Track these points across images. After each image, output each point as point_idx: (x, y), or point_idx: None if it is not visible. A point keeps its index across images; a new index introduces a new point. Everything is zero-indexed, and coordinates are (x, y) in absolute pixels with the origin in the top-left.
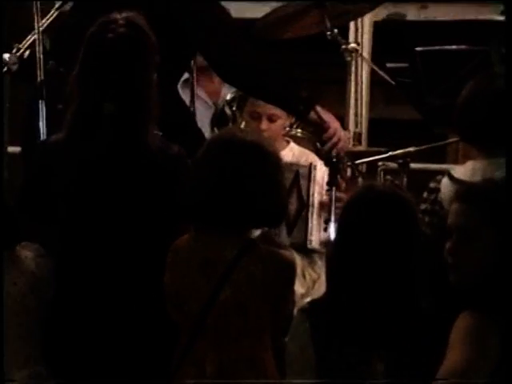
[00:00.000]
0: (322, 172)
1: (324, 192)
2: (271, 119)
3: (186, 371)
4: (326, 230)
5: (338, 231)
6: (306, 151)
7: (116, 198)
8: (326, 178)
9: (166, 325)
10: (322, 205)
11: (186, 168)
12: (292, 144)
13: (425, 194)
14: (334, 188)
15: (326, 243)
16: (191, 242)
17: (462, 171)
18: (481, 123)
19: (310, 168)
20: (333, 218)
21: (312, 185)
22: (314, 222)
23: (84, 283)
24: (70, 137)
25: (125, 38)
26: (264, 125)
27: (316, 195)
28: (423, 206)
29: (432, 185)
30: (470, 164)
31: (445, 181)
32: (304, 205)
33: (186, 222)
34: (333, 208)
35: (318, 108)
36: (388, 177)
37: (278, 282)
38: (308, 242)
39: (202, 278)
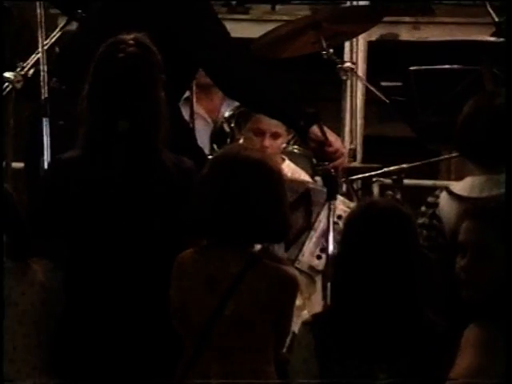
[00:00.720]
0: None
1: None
2: (274, 136)
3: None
4: (319, 257)
5: (341, 245)
6: (299, 169)
7: (133, 213)
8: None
9: (173, 337)
10: (323, 233)
11: None
12: (287, 161)
13: (423, 208)
14: (332, 202)
15: (313, 269)
16: (196, 256)
17: (460, 186)
18: (481, 140)
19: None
20: (331, 233)
21: (325, 212)
22: (311, 245)
23: (94, 298)
24: (84, 154)
25: (135, 56)
26: (267, 142)
27: (322, 224)
28: (421, 220)
29: (430, 199)
30: (468, 180)
31: (443, 196)
32: (309, 226)
33: (194, 236)
34: (331, 221)
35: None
36: (389, 192)
37: (281, 298)
38: (297, 262)
39: (207, 292)
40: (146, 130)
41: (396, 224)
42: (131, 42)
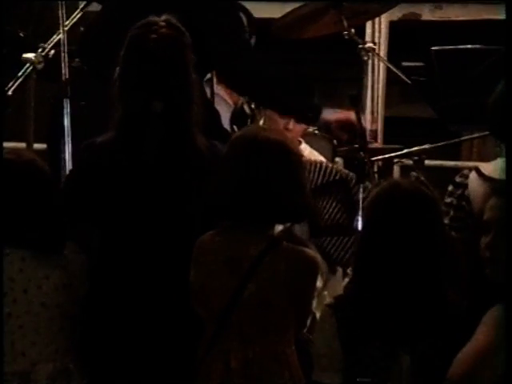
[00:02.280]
0: None
1: None
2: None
3: (211, 365)
4: None
5: (364, 227)
6: (315, 153)
7: (166, 196)
8: None
9: (196, 320)
10: None
11: None
12: (304, 144)
13: (450, 188)
14: (361, 185)
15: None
16: (216, 238)
17: (491, 168)
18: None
19: None
20: (360, 214)
21: None
22: None
23: (122, 282)
24: (118, 137)
25: (167, 37)
26: (291, 125)
27: None
28: (448, 200)
29: (459, 179)
30: (499, 161)
31: (473, 176)
32: (353, 230)
33: (217, 219)
34: (360, 204)
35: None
36: (413, 173)
37: (300, 279)
38: (345, 261)
39: (227, 274)
40: (179, 112)
41: (419, 206)
42: (162, 23)
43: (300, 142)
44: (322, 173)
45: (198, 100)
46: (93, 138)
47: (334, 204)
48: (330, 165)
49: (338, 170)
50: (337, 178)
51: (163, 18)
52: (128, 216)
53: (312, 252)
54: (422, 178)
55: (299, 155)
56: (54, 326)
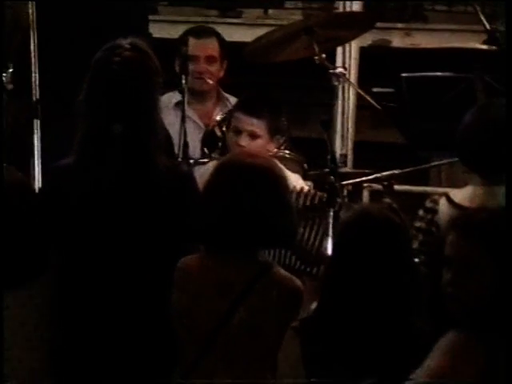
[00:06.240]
0: None
1: None
2: (252, 136)
3: None
4: None
5: (333, 252)
6: (292, 175)
7: (126, 216)
8: None
9: (166, 341)
10: None
11: (195, 186)
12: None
13: (420, 213)
14: (331, 209)
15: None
16: (204, 262)
17: (461, 195)
18: (482, 150)
19: None
20: (330, 238)
21: None
22: None
23: (89, 303)
24: (81, 159)
25: (131, 60)
26: (243, 141)
27: None
28: (418, 224)
29: (429, 205)
30: (469, 189)
31: (443, 203)
32: None
33: (194, 243)
34: (330, 228)
35: None
36: (386, 200)
37: (289, 307)
38: None
39: (217, 298)
40: (140, 133)
41: (388, 233)
42: (127, 46)
43: None
44: (302, 196)
45: (160, 121)
46: (58, 160)
47: (320, 231)
48: (307, 187)
49: (318, 194)
50: (315, 202)
51: (129, 40)
52: (91, 236)
53: (298, 280)
54: (395, 205)
55: (286, 180)
56: (31, 346)
